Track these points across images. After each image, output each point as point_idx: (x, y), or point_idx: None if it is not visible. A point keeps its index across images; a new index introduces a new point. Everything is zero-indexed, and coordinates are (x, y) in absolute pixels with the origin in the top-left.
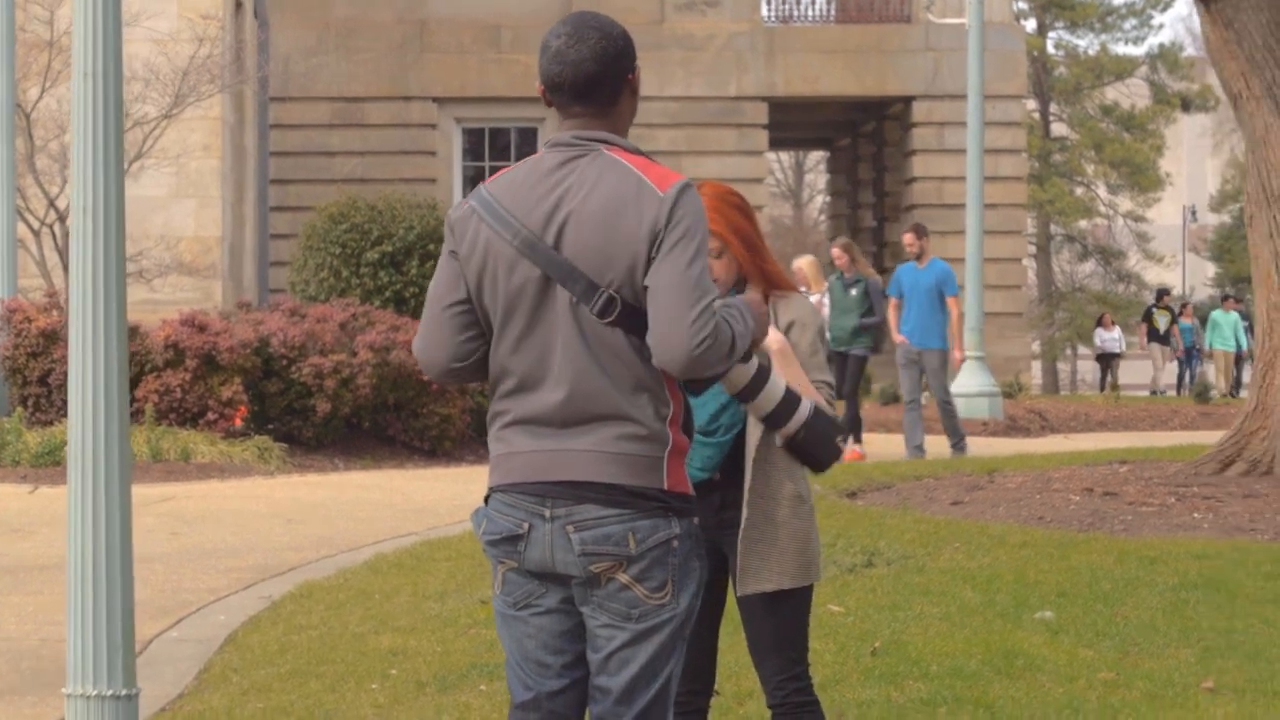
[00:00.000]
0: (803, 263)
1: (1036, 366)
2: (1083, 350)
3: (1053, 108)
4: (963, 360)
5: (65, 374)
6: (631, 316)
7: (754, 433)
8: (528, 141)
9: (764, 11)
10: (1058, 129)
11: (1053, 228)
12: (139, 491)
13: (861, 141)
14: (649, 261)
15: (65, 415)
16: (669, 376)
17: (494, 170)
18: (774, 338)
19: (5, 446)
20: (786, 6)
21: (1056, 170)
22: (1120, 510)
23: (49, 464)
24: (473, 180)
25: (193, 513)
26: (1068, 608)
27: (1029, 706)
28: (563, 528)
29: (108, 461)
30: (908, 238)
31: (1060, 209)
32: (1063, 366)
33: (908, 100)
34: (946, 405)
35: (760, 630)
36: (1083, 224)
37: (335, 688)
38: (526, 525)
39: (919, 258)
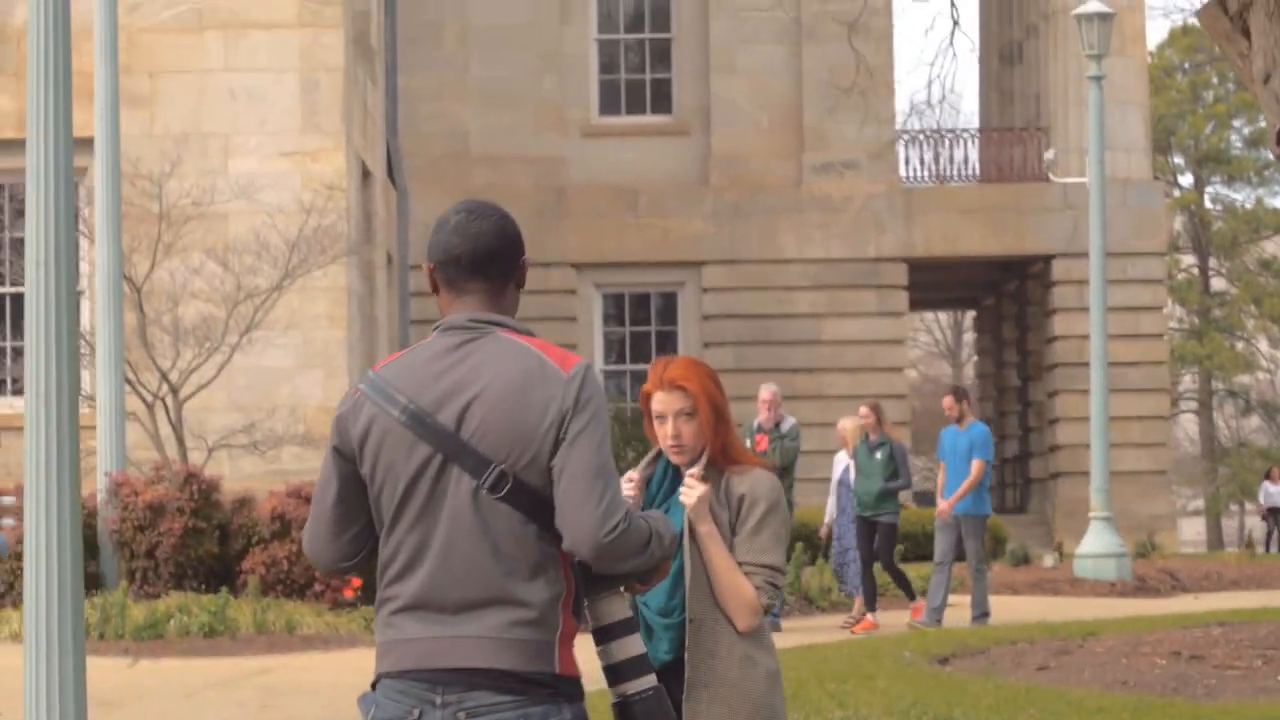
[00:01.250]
0: (846, 423)
1: (1189, 524)
2: (1250, 506)
3: (1211, 262)
4: (946, 514)
5: (173, 546)
6: (525, 495)
7: (694, 601)
8: (668, 305)
9: (902, 172)
10: (1217, 283)
11: (1214, 383)
12: (237, 664)
13: (1005, 300)
14: (556, 443)
15: (172, 588)
16: (564, 555)
17: (634, 336)
18: (700, 519)
19: (109, 620)
20: (924, 168)
21: (1216, 325)
22: (1205, 674)
23: (151, 637)
24: (615, 345)
25: (288, 685)
26: None
27: None
28: (454, 714)
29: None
30: (947, 401)
31: (1220, 364)
32: (1229, 523)
33: (1048, 259)
34: (978, 572)
35: None
36: (1244, 379)
37: None
38: (417, 712)
39: (959, 420)
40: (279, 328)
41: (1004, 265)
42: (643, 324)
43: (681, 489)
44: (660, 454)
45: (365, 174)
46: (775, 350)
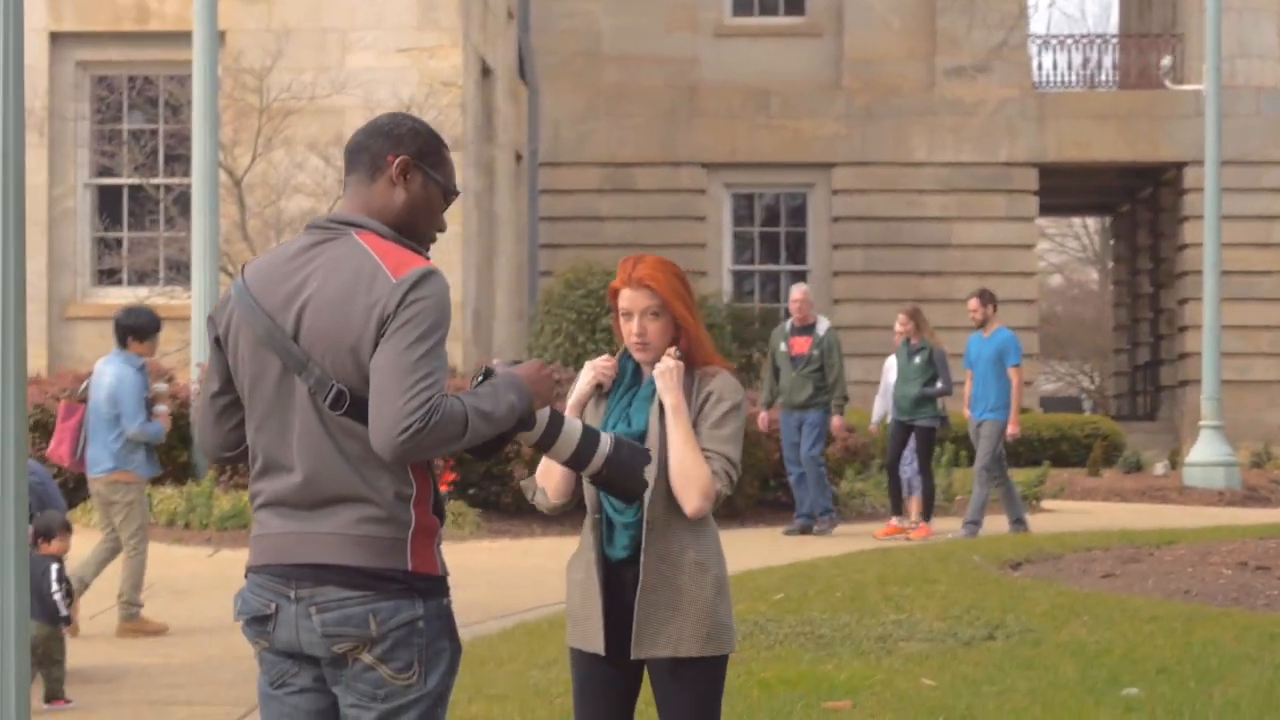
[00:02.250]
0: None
1: None
2: None
3: None
4: (1014, 435)
5: None
6: (360, 406)
7: (654, 502)
8: (798, 207)
9: (1035, 77)
10: None
11: None
12: None
13: (1139, 207)
14: (374, 347)
15: None
16: None
17: (763, 237)
18: (668, 390)
19: (195, 510)
20: (1058, 72)
21: None
22: (1268, 585)
23: (236, 527)
24: (741, 246)
25: None
26: (1161, 685)
27: None
28: (306, 609)
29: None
30: (972, 304)
31: None
32: None
33: (1180, 166)
34: (981, 473)
35: (667, 700)
36: None
37: None
38: (274, 606)
39: (983, 325)
40: None
41: (1138, 172)
42: (772, 225)
43: (658, 365)
44: (622, 354)
45: (485, 71)
46: (904, 253)
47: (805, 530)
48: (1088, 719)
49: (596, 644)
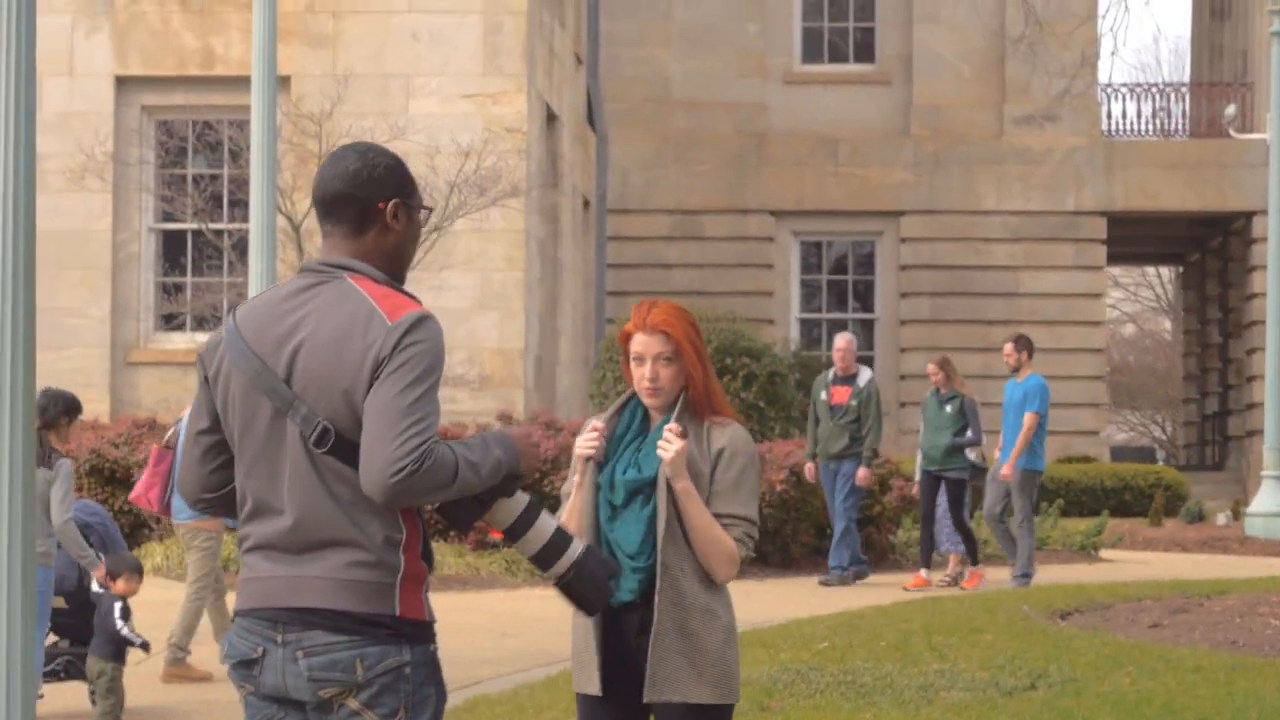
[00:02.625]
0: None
1: None
2: None
3: None
4: (1009, 476)
5: None
6: (348, 447)
7: (666, 548)
8: (866, 255)
9: (1104, 125)
10: None
11: None
12: None
13: (1209, 256)
14: (369, 390)
15: None
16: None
17: (831, 285)
18: (677, 477)
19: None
20: (1127, 121)
21: None
22: None
23: None
24: (809, 294)
25: None
26: None
27: None
28: (293, 653)
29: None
30: (1007, 349)
31: None
32: None
33: (1249, 215)
34: (1023, 530)
35: None
36: None
37: None
38: (261, 650)
39: (1016, 371)
40: (458, 269)
41: (1207, 221)
42: (840, 273)
43: (660, 442)
44: (631, 398)
45: (551, 117)
46: (972, 302)
47: (843, 581)
48: None
49: (594, 686)
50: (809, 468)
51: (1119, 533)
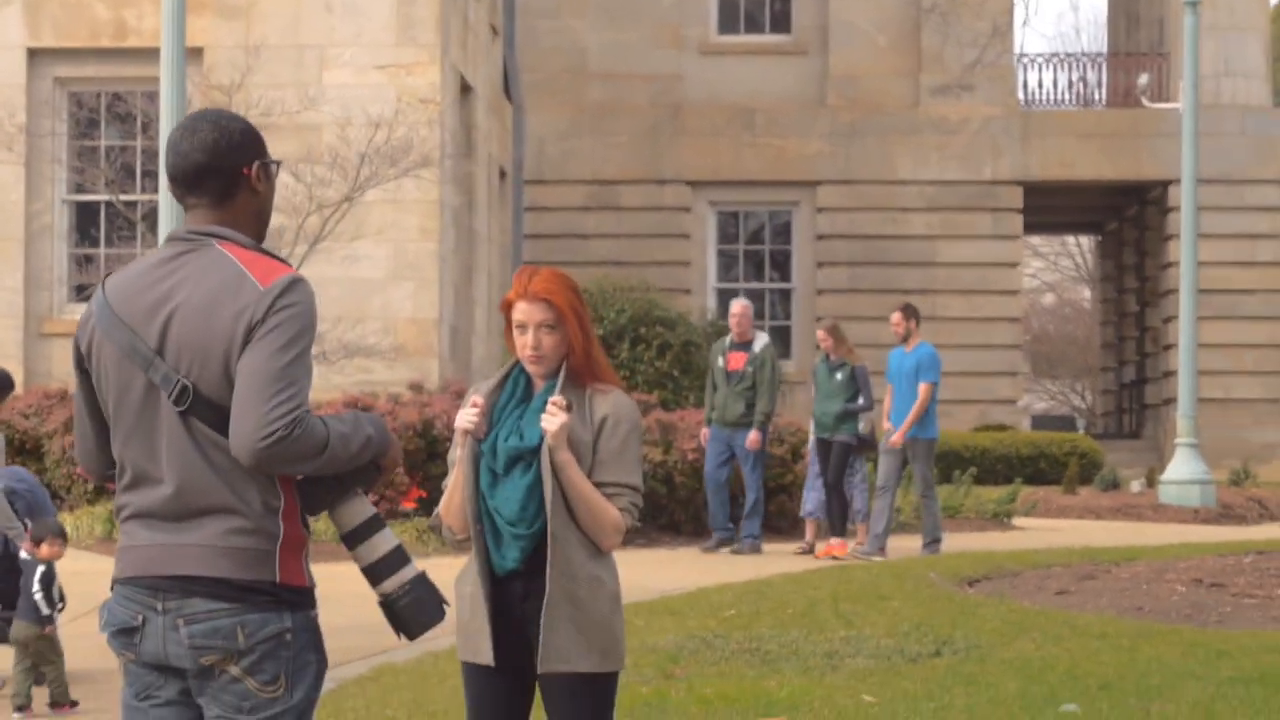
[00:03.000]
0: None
1: None
2: None
3: None
4: (898, 443)
5: None
6: (211, 410)
7: (555, 517)
8: (783, 225)
9: (1020, 95)
10: None
11: None
12: None
13: (1126, 226)
14: (241, 354)
15: None
16: None
17: (748, 255)
18: (559, 448)
19: None
20: (1043, 90)
21: None
22: (1221, 602)
23: None
24: (726, 264)
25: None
26: (1101, 701)
27: None
28: (174, 621)
29: None
30: (894, 318)
31: None
32: None
33: (1165, 185)
34: (926, 498)
35: (559, 715)
36: None
37: None
38: (141, 618)
39: (905, 340)
40: (371, 239)
41: (1124, 190)
42: (757, 243)
43: (544, 415)
44: (514, 366)
45: (465, 88)
46: (889, 271)
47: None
48: None
49: (486, 656)
50: (704, 433)
51: (1033, 500)
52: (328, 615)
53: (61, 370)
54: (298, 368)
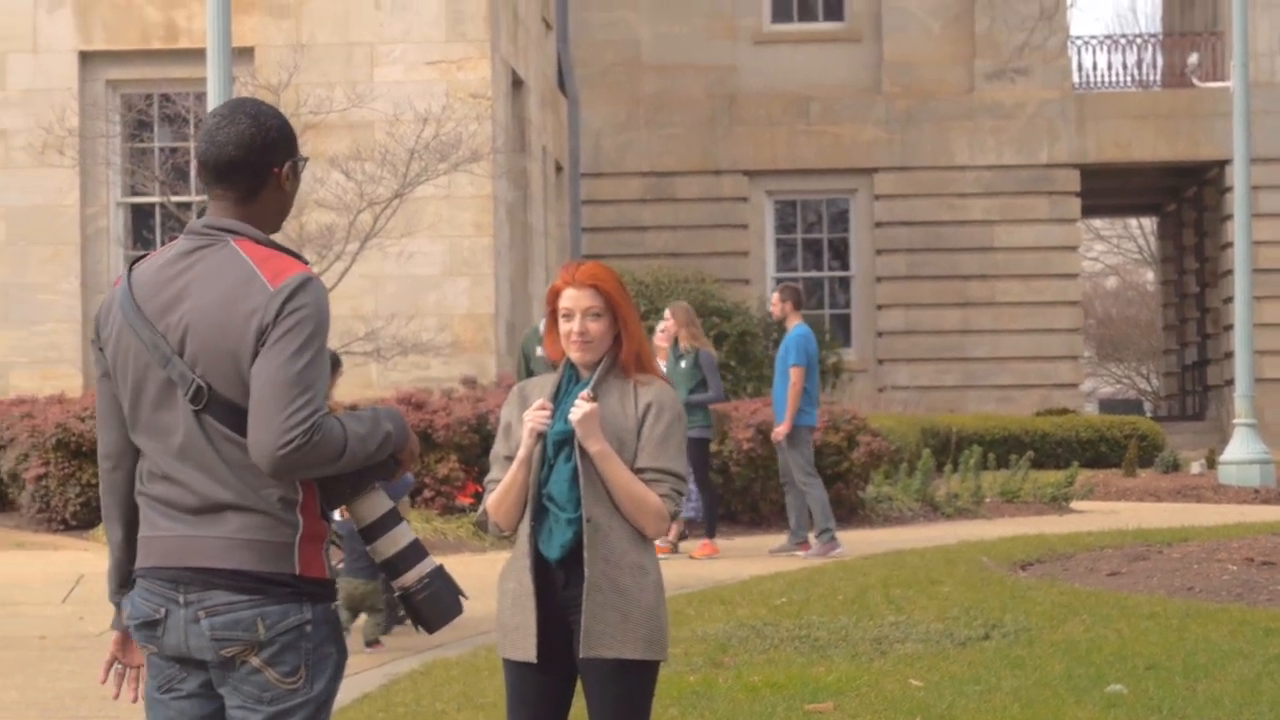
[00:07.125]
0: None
1: None
2: None
3: None
4: (784, 434)
5: None
6: (226, 410)
7: (593, 506)
8: (840, 212)
9: (1075, 78)
10: None
11: None
12: None
13: (1185, 206)
14: (254, 357)
15: None
16: None
17: (806, 243)
18: (590, 439)
19: None
20: (1098, 73)
21: None
22: (1273, 580)
23: None
24: (785, 253)
25: None
26: (1148, 681)
27: None
28: (195, 613)
29: None
30: (773, 299)
31: None
32: None
33: (1222, 164)
34: (807, 483)
35: (602, 702)
36: None
37: None
38: (163, 610)
39: (783, 322)
40: (425, 235)
41: (1181, 171)
42: (814, 231)
43: (572, 408)
44: (565, 367)
45: (517, 82)
46: (947, 257)
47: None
48: (1067, 716)
49: (529, 652)
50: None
51: (1091, 484)
52: None
53: None
54: (312, 371)
